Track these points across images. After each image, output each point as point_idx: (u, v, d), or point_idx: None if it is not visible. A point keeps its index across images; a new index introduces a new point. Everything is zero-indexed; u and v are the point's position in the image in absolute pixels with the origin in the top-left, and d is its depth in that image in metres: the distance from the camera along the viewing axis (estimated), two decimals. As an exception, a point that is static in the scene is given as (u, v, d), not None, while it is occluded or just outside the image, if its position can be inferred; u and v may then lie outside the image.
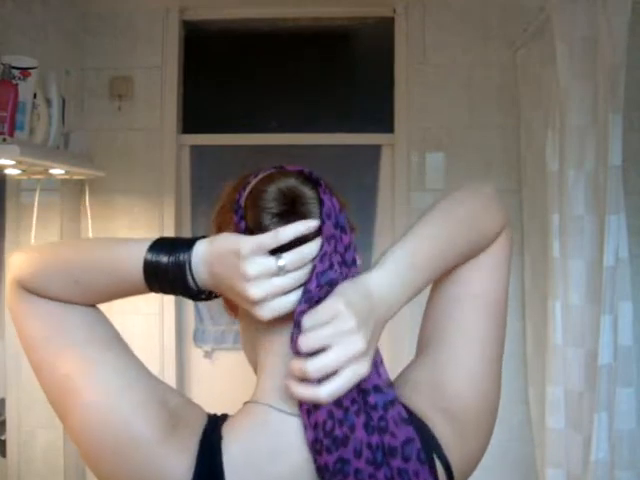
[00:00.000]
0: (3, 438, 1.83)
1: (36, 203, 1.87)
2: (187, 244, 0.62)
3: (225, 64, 2.33)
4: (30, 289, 0.66)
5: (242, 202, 0.64)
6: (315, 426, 0.60)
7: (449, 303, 0.73)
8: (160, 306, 2.20)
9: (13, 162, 1.48)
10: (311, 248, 0.60)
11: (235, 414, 0.67)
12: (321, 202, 0.63)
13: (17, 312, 0.67)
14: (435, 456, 0.64)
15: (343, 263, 0.63)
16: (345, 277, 0.62)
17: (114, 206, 2.22)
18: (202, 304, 2.23)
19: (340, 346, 0.55)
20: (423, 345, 0.74)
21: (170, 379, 2.16)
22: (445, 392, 0.69)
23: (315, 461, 0.60)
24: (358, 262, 0.66)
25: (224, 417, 0.66)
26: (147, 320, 2.20)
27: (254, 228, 0.62)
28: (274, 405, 0.64)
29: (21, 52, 1.56)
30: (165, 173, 2.22)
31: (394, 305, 0.61)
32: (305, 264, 0.60)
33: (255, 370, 0.70)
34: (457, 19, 2.17)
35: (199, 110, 2.31)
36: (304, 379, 0.55)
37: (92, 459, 0.63)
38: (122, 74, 2.20)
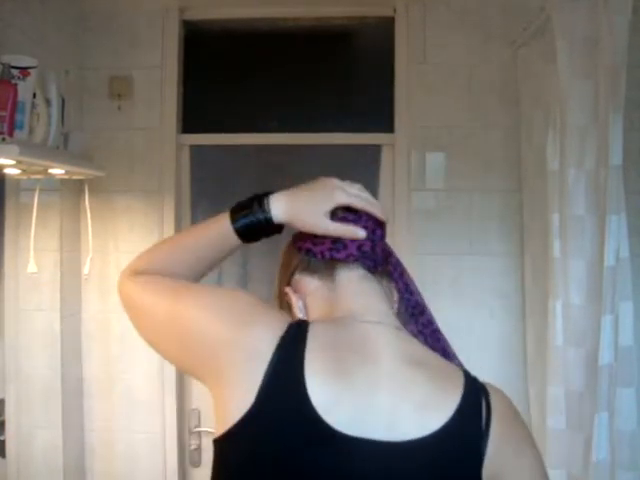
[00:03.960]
0: (2, 438, 1.82)
1: (36, 203, 1.87)
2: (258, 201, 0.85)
3: (225, 64, 2.33)
4: (150, 272, 0.86)
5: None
6: None
7: None
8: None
9: (12, 162, 1.47)
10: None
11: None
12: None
13: (133, 290, 0.86)
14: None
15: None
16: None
17: (114, 206, 2.21)
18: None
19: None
20: None
21: (170, 376, 2.16)
22: None
23: None
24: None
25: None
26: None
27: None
28: (356, 318, 0.80)
29: (21, 52, 1.55)
30: (165, 173, 2.21)
31: None
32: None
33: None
34: (457, 18, 2.17)
35: (199, 110, 2.31)
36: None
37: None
38: (122, 74, 2.20)
